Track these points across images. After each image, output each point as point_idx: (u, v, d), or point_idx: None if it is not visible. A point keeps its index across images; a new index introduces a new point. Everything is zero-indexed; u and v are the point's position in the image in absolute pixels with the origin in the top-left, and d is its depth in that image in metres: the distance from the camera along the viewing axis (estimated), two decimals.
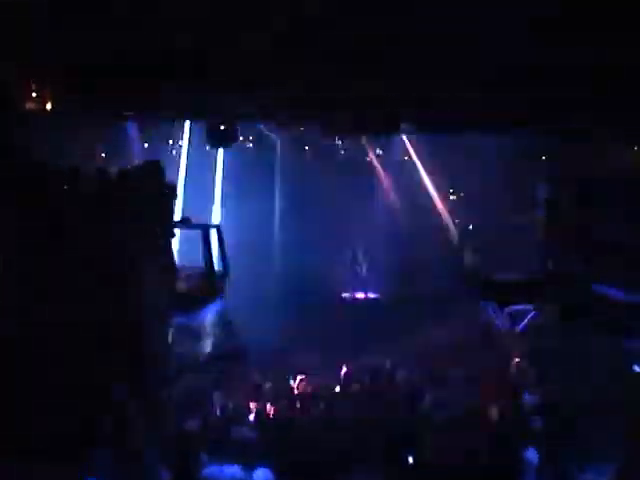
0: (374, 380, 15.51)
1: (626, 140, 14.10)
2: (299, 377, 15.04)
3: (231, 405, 14.16)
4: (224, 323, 14.90)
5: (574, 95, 12.08)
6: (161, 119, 15.99)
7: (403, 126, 16.66)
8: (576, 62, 11.28)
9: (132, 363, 8.26)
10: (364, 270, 22.94)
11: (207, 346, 15.76)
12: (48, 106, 12.07)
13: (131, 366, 8.18)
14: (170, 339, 10.58)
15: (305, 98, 13.35)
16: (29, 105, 12.08)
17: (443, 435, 11.88)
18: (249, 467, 10.96)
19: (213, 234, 14.29)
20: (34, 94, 12.00)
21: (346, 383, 15.56)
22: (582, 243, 12.57)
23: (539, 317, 14.77)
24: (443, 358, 17.40)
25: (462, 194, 22.02)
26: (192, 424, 12.15)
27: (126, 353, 8.25)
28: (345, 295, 22.70)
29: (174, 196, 11.83)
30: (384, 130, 17.00)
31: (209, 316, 14.22)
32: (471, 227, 15.02)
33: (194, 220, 14.43)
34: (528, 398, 14.80)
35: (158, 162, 11.11)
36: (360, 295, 22.58)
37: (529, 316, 14.53)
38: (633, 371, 12.21)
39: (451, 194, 22.21)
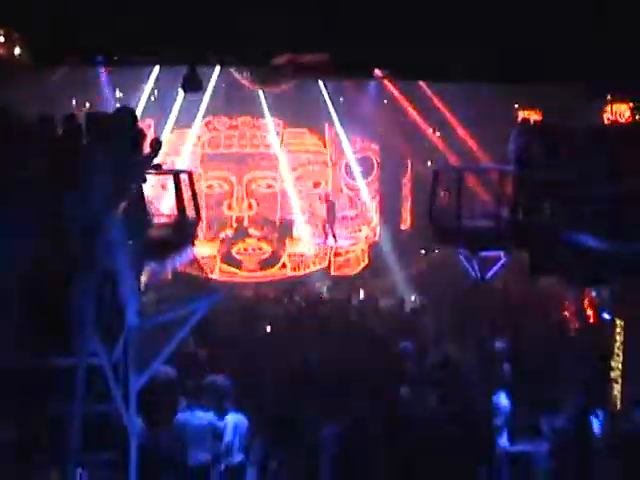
0: None
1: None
2: None
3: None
4: None
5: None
6: (133, 65, 15.79)
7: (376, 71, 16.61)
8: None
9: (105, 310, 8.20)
10: None
11: None
12: (16, 51, 11.86)
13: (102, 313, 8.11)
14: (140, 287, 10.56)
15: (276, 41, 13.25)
16: None
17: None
18: (222, 412, 11.12)
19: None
20: (1, 39, 11.76)
21: None
22: (551, 193, 12.60)
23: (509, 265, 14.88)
24: None
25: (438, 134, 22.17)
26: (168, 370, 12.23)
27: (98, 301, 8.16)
28: None
29: (144, 142, 11.73)
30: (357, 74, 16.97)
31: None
32: (440, 174, 14.92)
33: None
34: (498, 345, 15.01)
35: (131, 109, 10.99)
36: None
37: (499, 263, 14.58)
38: (603, 319, 12.35)
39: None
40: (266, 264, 23.07)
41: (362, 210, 24.09)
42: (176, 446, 10.63)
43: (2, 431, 7.81)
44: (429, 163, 21.91)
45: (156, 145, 11.35)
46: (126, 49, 12.93)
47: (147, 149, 11.22)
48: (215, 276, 22.49)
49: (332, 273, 23.20)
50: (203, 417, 10.89)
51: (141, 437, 10.07)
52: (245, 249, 22.96)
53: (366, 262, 23.80)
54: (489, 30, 12.30)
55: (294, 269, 23.16)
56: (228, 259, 22.95)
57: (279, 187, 23.48)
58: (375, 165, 24.03)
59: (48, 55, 12.69)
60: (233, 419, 11.07)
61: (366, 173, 23.98)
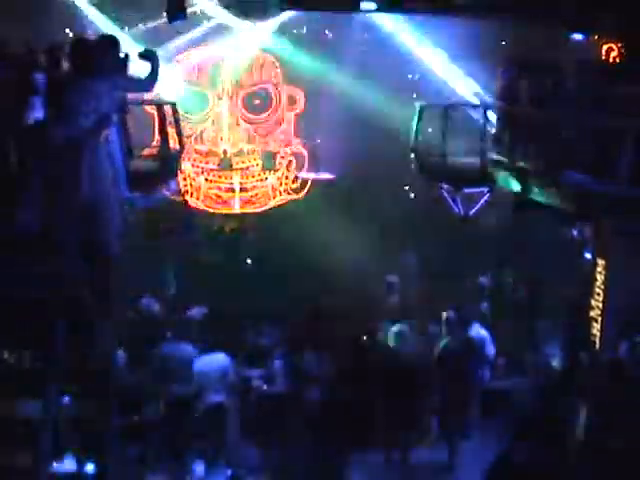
0: None
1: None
2: None
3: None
4: None
5: None
6: None
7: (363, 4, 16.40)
8: None
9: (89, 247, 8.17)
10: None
11: None
12: None
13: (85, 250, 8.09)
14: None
15: None
16: None
17: None
18: (205, 348, 11.15)
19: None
20: None
21: None
22: (535, 129, 12.59)
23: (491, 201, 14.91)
24: None
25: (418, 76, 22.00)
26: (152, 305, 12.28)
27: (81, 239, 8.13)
28: None
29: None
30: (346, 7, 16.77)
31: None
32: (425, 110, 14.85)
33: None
34: (482, 280, 15.14)
35: (113, 37, 10.81)
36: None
37: (482, 199, 14.61)
38: (585, 259, 12.41)
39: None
40: None
41: None
42: (158, 379, 10.68)
43: None
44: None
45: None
46: None
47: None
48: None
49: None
50: (186, 350, 10.92)
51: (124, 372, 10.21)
52: None
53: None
54: None
55: None
56: None
57: None
58: None
59: None
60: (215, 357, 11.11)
61: None
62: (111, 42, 9.84)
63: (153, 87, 10.27)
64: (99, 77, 8.74)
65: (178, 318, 12.10)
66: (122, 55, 10.26)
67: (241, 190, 21.20)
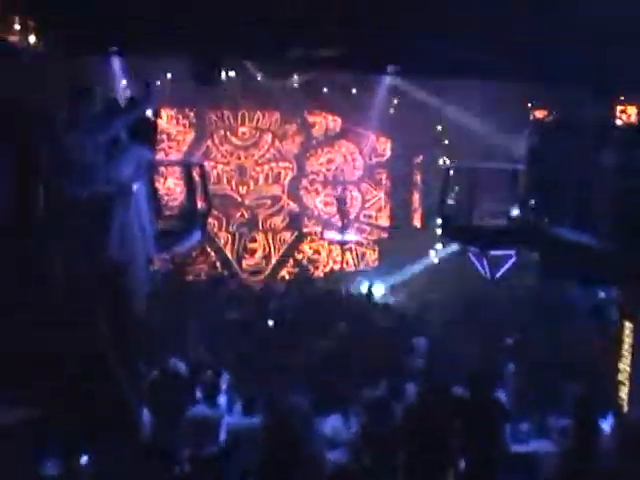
0: None
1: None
2: None
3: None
4: None
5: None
6: (147, 54, 15.69)
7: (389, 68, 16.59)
8: None
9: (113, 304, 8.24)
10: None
11: None
12: (32, 39, 11.80)
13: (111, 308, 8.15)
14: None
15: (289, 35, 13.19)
16: (11, 38, 11.76)
17: None
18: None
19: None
20: (17, 26, 11.68)
21: None
22: (560, 192, 12.60)
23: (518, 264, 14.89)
24: None
25: (446, 141, 22.12)
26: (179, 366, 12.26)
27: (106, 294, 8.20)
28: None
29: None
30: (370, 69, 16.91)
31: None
32: (452, 172, 14.94)
33: None
34: (508, 340, 15.05)
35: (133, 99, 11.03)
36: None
37: (508, 262, 14.58)
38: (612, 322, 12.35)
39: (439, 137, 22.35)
40: None
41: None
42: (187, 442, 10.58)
43: None
44: (441, 161, 21.86)
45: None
46: (142, 40, 12.92)
47: None
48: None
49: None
50: (216, 411, 10.84)
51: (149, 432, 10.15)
52: None
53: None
54: (508, 29, 12.25)
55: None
56: None
57: None
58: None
59: (64, 44, 12.69)
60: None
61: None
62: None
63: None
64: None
65: (205, 379, 12.02)
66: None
67: None
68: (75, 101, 9.36)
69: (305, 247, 23.45)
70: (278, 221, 23.32)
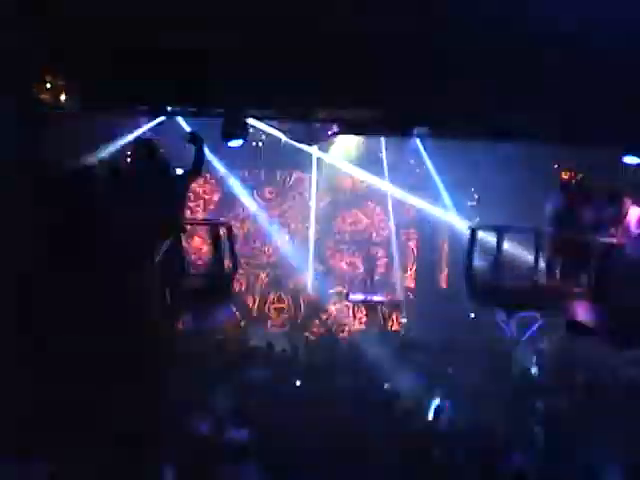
0: None
1: None
2: None
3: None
4: None
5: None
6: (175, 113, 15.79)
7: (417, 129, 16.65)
8: None
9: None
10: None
11: None
12: (62, 98, 11.89)
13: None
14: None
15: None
16: (43, 97, 11.85)
17: None
18: None
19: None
20: (48, 85, 11.77)
21: None
22: (585, 255, 12.58)
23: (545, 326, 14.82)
24: None
25: (473, 203, 22.12)
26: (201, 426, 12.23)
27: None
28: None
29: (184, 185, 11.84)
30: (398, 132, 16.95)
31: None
32: (478, 233, 14.92)
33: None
34: (538, 404, 14.90)
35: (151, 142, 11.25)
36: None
37: (536, 325, 14.52)
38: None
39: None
40: None
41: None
42: None
43: None
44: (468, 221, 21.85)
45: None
46: (172, 99, 13.00)
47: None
48: None
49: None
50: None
51: None
52: None
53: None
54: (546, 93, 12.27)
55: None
56: None
57: None
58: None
59: (95, 102, 12.78)
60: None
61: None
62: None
63: (199, 172, 10.66)
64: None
65: (228, 439, 11.98)
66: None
67: None
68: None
69: (330, 307, 23.39)
70: (303, 281, 23.33)
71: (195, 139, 10.89)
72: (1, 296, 8.86)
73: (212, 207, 22.45)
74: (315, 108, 13.86)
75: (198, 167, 11.07)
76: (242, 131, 13.78)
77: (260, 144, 21.00)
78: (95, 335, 8.29)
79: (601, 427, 13.29)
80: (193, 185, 20.58)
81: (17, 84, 11.03)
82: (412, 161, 22.57)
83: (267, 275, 23.08)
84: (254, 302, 22.90)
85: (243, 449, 11.32)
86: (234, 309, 22.06)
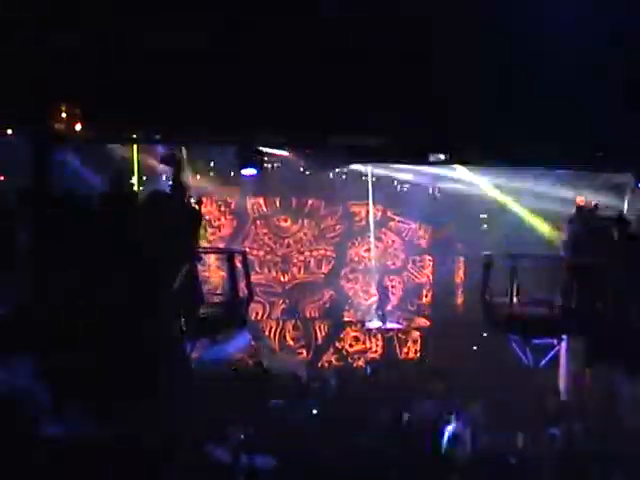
0: None
1: None
2: None
3: None
4: None
5: None
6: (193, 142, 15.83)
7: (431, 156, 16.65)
8: None
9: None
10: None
11: None
12: (77, 127, 11.94)
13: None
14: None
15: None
16: (58, 126, 11.89)
17: None
18: None
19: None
20: (63, 115, 11.81)
21: None
22: (601, 280, 12.55)
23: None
24: None
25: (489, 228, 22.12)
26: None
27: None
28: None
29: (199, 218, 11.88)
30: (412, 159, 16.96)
31: None
32: (493, 260, 14.86)
33: None
34: (554, 432, 14.81)
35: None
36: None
37: (552, 352, 14.43)
38: None
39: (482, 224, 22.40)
40: None
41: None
42: None
43: None
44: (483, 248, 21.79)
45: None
46: (186, 128, 13.05)
47: None
48: None
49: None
50: None
51: None
52: None
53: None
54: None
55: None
56: None
57: None
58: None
59: (110, 132, 12.84)
60: None
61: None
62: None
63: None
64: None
65: (242, 465, 11.95)
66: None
67: None
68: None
69: (346, 335, 23.33)
70: (319, 309, 23.29)
71: (170, 160, 10.68)
72: None
73: (227, 236, 22.43)
74: (330, 136, 13.91)
75: (178, 189, 10.88)
76: (257, 160, 13.86)
77: (275, 170, 20.98)
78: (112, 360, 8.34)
79: None
80: (206, 212, 20.91)
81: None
82: (426, 189, 22.57)
83: (283, 302, 23.01)
84: (270, 330, 22.82)
85: (254, 476, 11.28)
86: (250, 337, 21.95)
